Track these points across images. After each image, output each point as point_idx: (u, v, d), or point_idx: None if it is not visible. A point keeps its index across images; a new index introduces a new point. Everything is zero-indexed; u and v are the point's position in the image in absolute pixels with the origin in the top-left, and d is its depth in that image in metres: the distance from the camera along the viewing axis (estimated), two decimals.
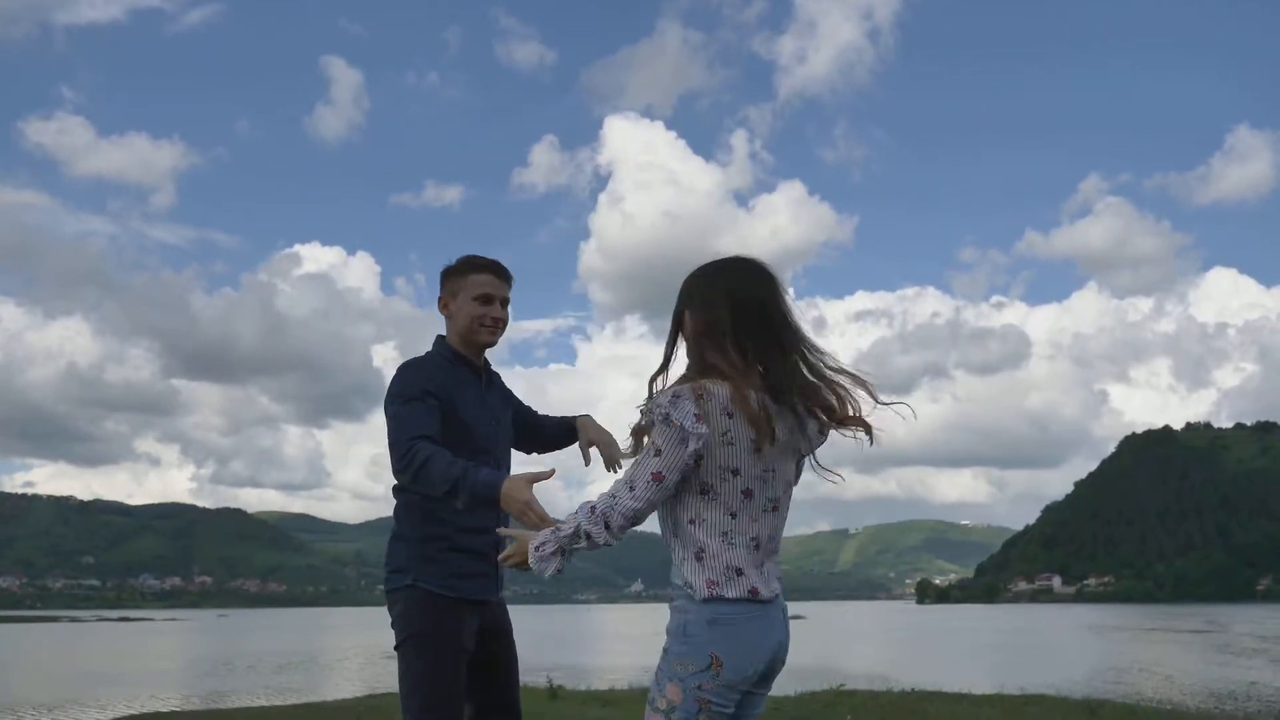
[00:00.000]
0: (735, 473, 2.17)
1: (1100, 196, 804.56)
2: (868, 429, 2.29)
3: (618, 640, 56.66)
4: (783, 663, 2.31)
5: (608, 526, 2.21)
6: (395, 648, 3.10)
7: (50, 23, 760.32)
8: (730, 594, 2.18)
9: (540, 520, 2.52)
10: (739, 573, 2.19)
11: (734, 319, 2.20)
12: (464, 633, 3.07)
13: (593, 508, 2.23)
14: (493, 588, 3.21)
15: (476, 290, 3.09)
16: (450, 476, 2.71)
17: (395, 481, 3.04)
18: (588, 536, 2.22)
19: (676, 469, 2.16)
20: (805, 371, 2.23)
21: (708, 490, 2.19)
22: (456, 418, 3.00)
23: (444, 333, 3.20)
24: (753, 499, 2.20)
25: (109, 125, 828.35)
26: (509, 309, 3.16)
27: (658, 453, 2.16)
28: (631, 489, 2.19)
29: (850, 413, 2.26)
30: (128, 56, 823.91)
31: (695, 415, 2.12)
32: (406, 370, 3.03)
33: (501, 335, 3.13)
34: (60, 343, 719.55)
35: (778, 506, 2.26)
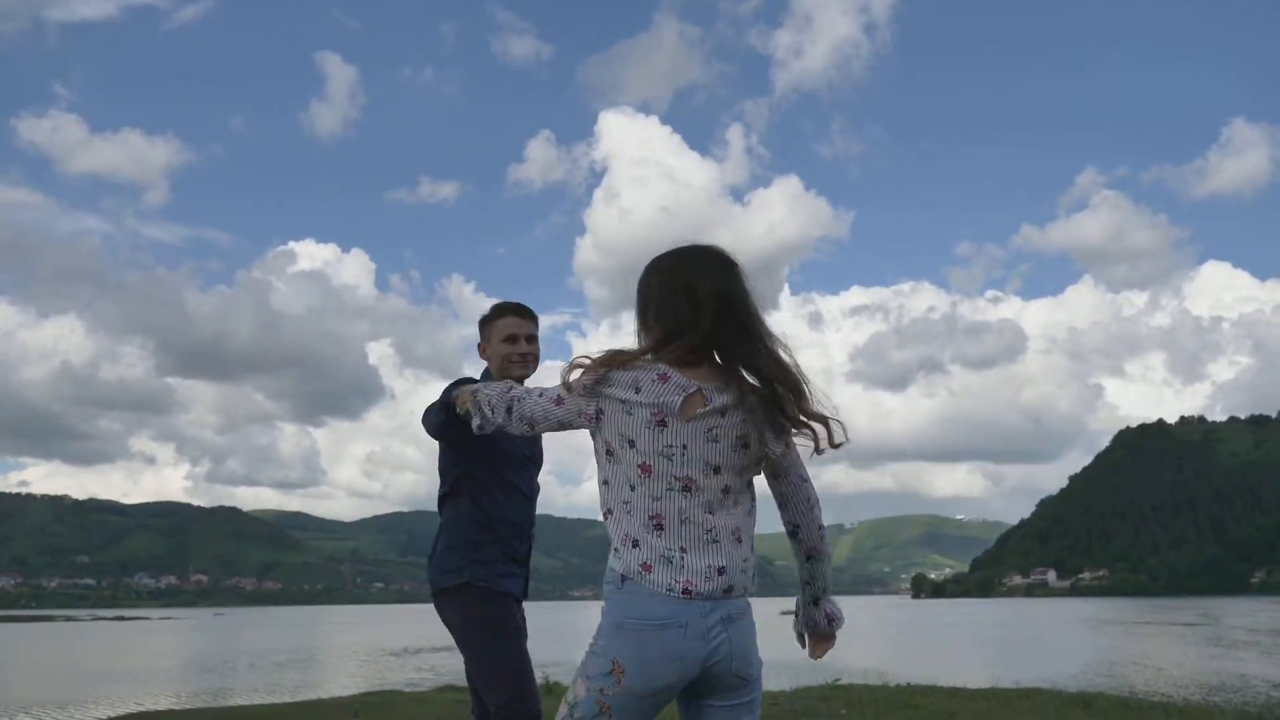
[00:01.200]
0: (631, 444, 2.17)
1: (1097, 190, 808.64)
2: (825, 424, 2.28)
3: None
4: (738, 676, 2.20)
5: (509, 411, 2.37)
6: (462, 643, 3.38)
7: (43, 20, 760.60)
8: (618, 567, 2.18)
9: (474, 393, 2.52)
10: (635, 544, 2.17)
11: (661, 302, 2.25)
12: (519, 621, 3.43)
13: (512, 390, 2.41)
14: (524, 588, 3.55)
15: (504, 332, 3.48)
16: (442, 400, 3.06)
17: (439, 495, 3.48)
18: (491, 408, 2.41)
19: (573, 409, 2.25)
20: (760, 359, 2.22)
21: (612, 454, 2.22)
22: (493, 443, 3.30)
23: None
24: (650, 475, 2.17)
25: (102, 122, 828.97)
26: (537, 344, 3.53)
27: (568, 387, 2.25)
28: (540, 394, 2.33)
29: (807, 407, 2.26)
30: (121, 53, 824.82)
31: (598, 376, 2.21)
32: (452, 389, 3.27)
33: (534, 369, 3.50)
34: (54, 341, 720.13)
35: (691, 488, 2.18)
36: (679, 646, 2.11)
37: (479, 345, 3.60)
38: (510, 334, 3.48)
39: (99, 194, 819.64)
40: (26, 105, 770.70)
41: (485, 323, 3.57)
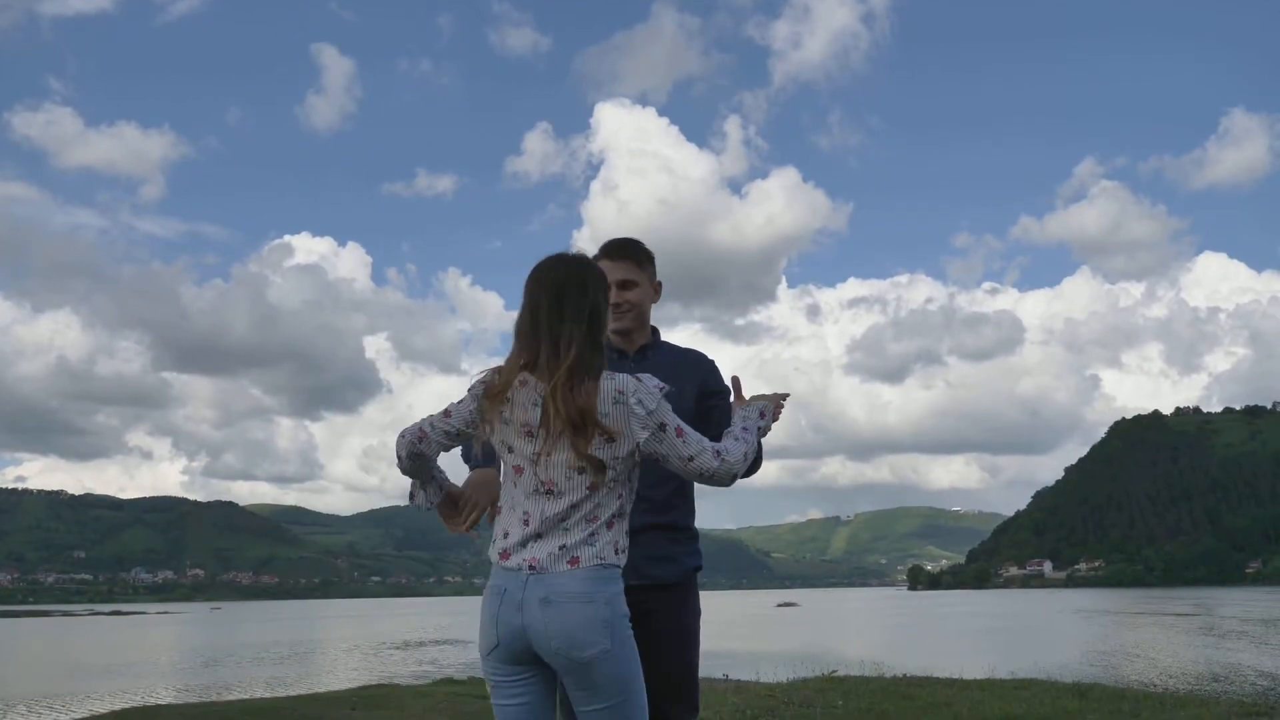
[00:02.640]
0: (510, 449, 2.39)
1: (1095, 181, 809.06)
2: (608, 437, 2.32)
3: None
4: (560, 654, 2.27)
5: (416, 444, 2.51)
6: (685, 640, 2.95)
7: (37, 13, 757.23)
8: (493, 555, 2.42)
9: (451, 521, 2.67)
10: (505, 535, 2.40)
11: (532, 311, 2.38)
12: None
13: (413, 432, 2.53)
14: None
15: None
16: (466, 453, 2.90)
17: None
18: (400, 459, 2.56)
19: (459, 417, 2.44)
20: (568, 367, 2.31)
21: (499, 458, 2.46)
22: None
23: None
24: (523, 475, 2.37)
25: (97, 115, 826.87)
26: (635, 289, 2.99)
27: (459, 400, 2.46)
28: (446, 414, 2.48)
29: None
30: (116, 46, 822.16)
31: (483, 385, 2.39)
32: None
33: (634, 317, 3.00)
34: (50, 336, 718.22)
35: (553, 491, 2.34)
36: (504, 613, 2.34)
37: None
38: None
39: (94, 188, 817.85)
40: (20, 98, 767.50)
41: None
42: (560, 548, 2.32)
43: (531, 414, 2.32)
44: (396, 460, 2.54)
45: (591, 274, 2.43)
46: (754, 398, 2.69)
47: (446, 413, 2.46)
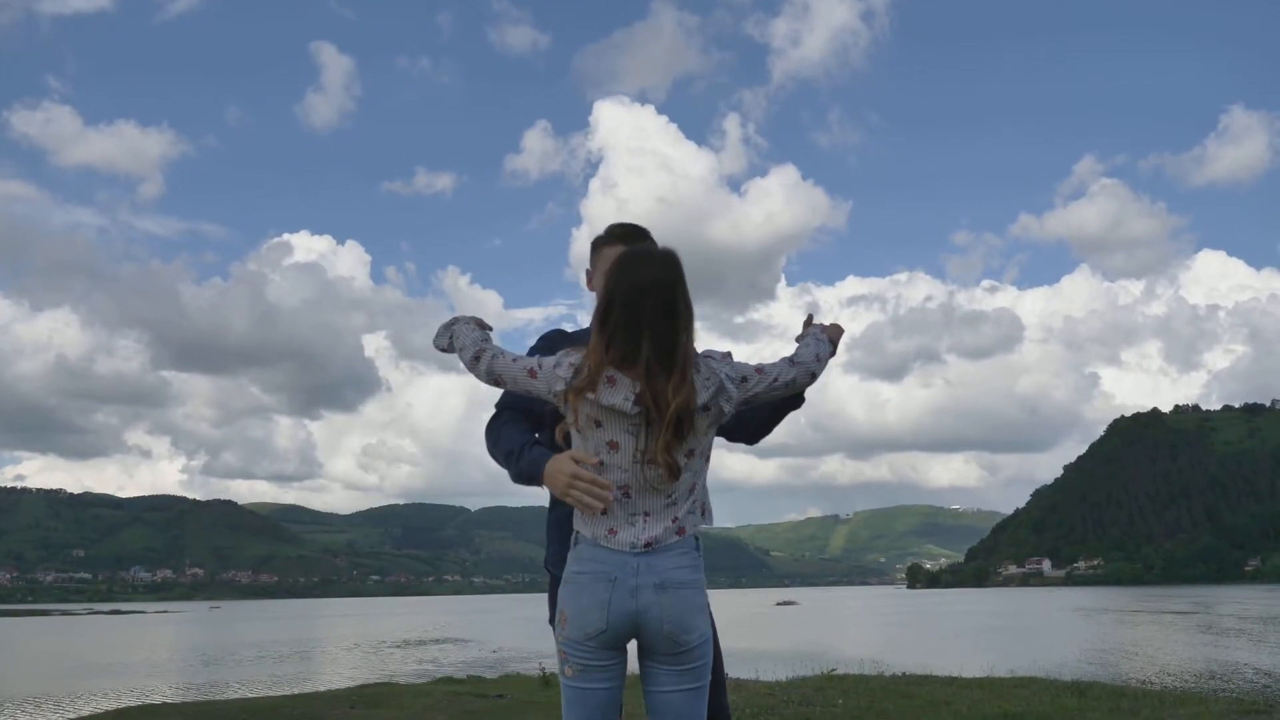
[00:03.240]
0: (599, 436, 2.37)
1: (1095, 178, 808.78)
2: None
3: None
4: (669, 639, 2.35)
5: (476, 359, 2.56)
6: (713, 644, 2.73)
7: (36, 11, 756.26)
8: (588, 532, 2.40)
9: (593, 495, 2.38)
10: (603, 513, 2.38)
11: (630, 307, 2.37)
12: None
13: (486, 343, 2.58)
14: None
15: (608, 263, 2.75)
16: (510, 448, 2.66)
17: None
18: (461, 347, 2.59)
19: (545, 386, 2.43)
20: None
21: (574, 436, 2.44)
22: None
23: None
24: (617, 455, 2.37)
25: (96, 114, 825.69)
26: None
27: (540, 365, 2.46)
28: (514, 359, 2.51)
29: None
30: (115, 45, 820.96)
31: (570, 364, 2.39)
32: (540, 340, 2.96)
33: None
34: (49, 335, 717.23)
35: (655, 473, 2.35)
36: (612, 597, 2.35)
37: (586, 273, 3.05)
38: None
39: (93, 186, 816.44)
40: (19, 97, 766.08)
41: (594, 247, 3.01)
42: (670, 523, 2.38)
43: (624, 405, 2.33)
44: (472, 362, 2.57)
45: (682, 270, 2.46)
46: (809, 328, 2.79)
47: (531, 372, 2.46)
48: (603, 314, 2.39)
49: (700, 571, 2.44)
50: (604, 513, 2.37)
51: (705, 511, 2.47)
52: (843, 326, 2.85)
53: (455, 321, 2.67)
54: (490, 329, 2.70)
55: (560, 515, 2.78)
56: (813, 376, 2.60)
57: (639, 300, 2.35)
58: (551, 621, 2.76)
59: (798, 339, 2.77)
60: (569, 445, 2.50)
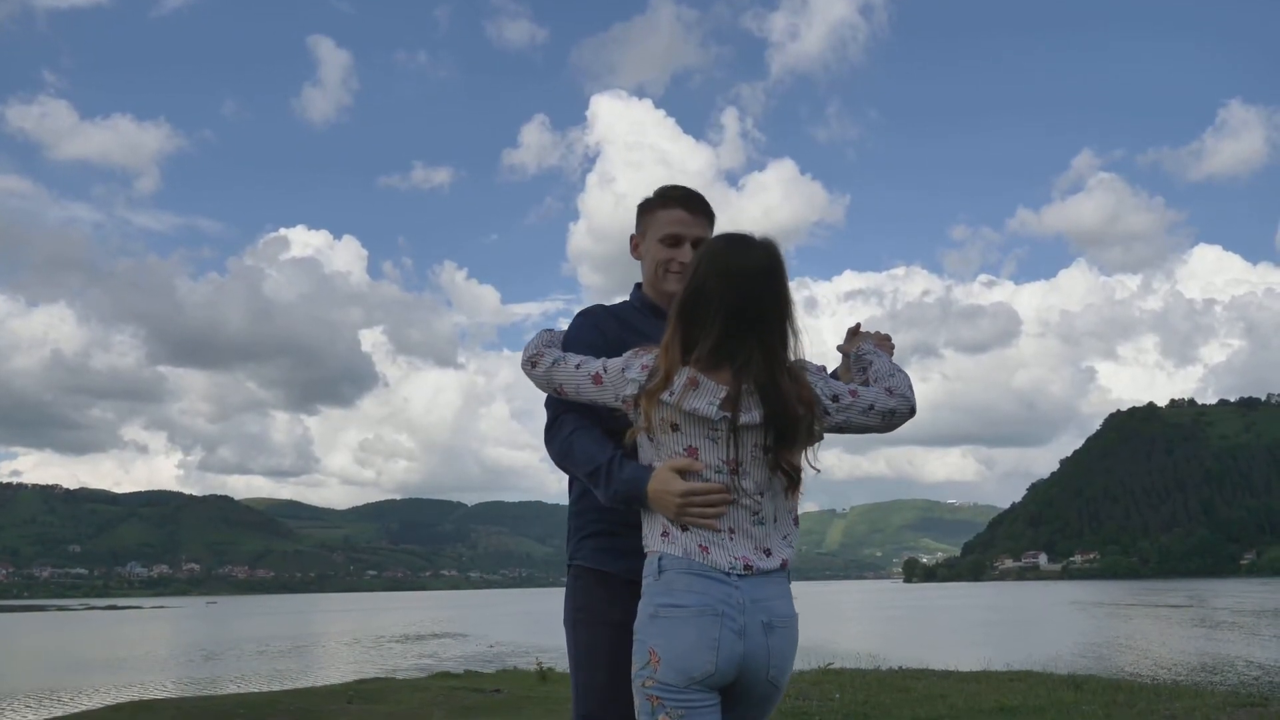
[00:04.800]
0: (675, 428, 2.15)
1: (1093, 172, 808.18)
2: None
3: None
4: (769, 684, 2.14)
5: (533, 364, 2.38)
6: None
7: (32, 5, 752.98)
8: (674, 549, 2.12)
9: (714, 509, 2.15)
10: (685, 529, 2.13)
11: (729, 303, 2.18)
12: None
13: (545, 347, 2.41)
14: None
15: (664, 229, 2.61)
16: (593, 463, 2.33)
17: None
18: (526, 357, 2.41)
19: (612, 393, 2.23)
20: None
21: (654, 438, 2.19)
22: None
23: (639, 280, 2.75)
24: (703, 473, 2.14)
25: (92, 108, 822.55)
26: None
27: (605, 368, 2.26)
28: (577, 365, 2.31)
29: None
30: (111, 39, 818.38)
31: (642, 366, 2.19)
32: (578, 318, 2.65)
33: None
34: (45, 330, 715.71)
35: (749, 491, 2.14)
36: (725, 638, 2.07)
37: (631, 239, 2.75)
38: (673, 234, 2.59)
39: (89, 181, 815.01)
40: (14, 91, 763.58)
41: (643, 210, 2.71)
42: (765, 549, 2.15)
43: (707, 410, 2.10)
44: (528, 366, 2.41)
45: (784, 260, 2.21)
46: (858, 337, 2.53)
47: (596, 378, 2.25)
48: (689, 305, 2.14)
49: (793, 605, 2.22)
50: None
51: (793, 540, 2.24)
52: (892, 340, 2.54)
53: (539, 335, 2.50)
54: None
55: (584, 505, 2.55)
56: (912, 411, 2.31)
57: (739, 291, 2.10)
58: (567, 624, 2.58)
59: (841, 348, 2.53)
60: (636, 452, 2.27)
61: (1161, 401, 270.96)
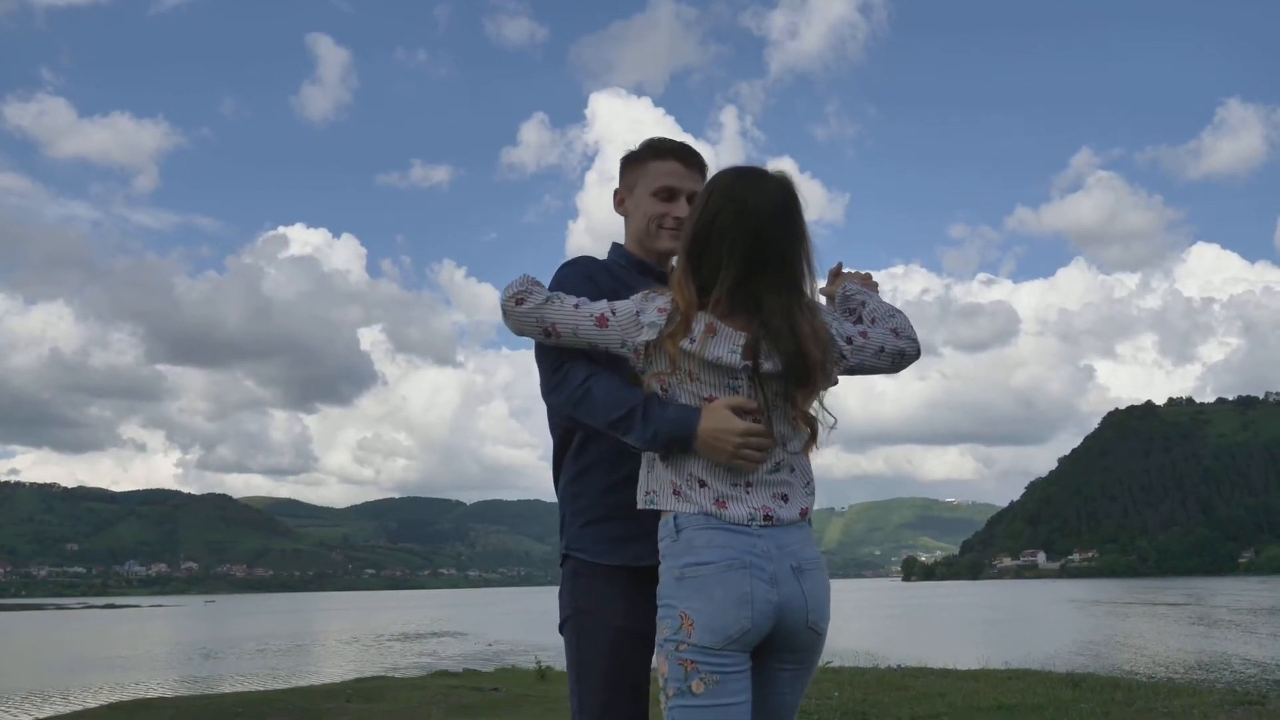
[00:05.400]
0: (692, 376, 2.05)
1: (1092, 171, 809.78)
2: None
3: None
4: (810, 630, 2.03)
5: (518, 302, 2.14)
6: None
7: (30, 3, 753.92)
8: (688, 506, 2.02)
9: (759, 450, 2.03)
10: (701, 484, 2.04)
11: (746, 237, 2.07)
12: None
13: (534, 284, 2.17)
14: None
15: (657, 182, 2.46)
16: (622, 406, 2.10)
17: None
18: (510, 295, 2.16)
19: (616, 337, 2.07)
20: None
21: (667, 390, 2.08)
22: None
23: (621, 240, 2.56)
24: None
25: (90, 106, 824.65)
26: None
27: (614, 310, 2.09)
28: (575, 304, 2.12)
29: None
30: (110, 37, 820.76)
31: (659, 309, 2.05)
32: (565, 267, 2.42)
33: None
34: (43, 328, 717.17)
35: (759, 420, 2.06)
36: (756, 589, 1.97)
37: (615, 194, 2.58)
38: (666, 185, 2.44)
39: (87, 179, 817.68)
40: (13, 89, 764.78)
41: (630, 163, 2.54)
42: (783, 497, 2.06)
43: (729, 358, 1.99)
44: (513, 305, 2.15)
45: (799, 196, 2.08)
46: (841, 277, 2.45)
47: (601, 319, 2.07)
48: (698, 245, 2.01)
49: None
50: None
51: (813, 488, 2.16)
52: (875, 278, 2.45)
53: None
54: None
55: (580, 488, 2.37)
56: (919, 353, 2.25)
57: (756, 228, 1.98)
58: (562, 628, 2.39)
59: (824, 290, 2.41)
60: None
61: (1160, 400, 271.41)
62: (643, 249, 2.48)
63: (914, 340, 2.24)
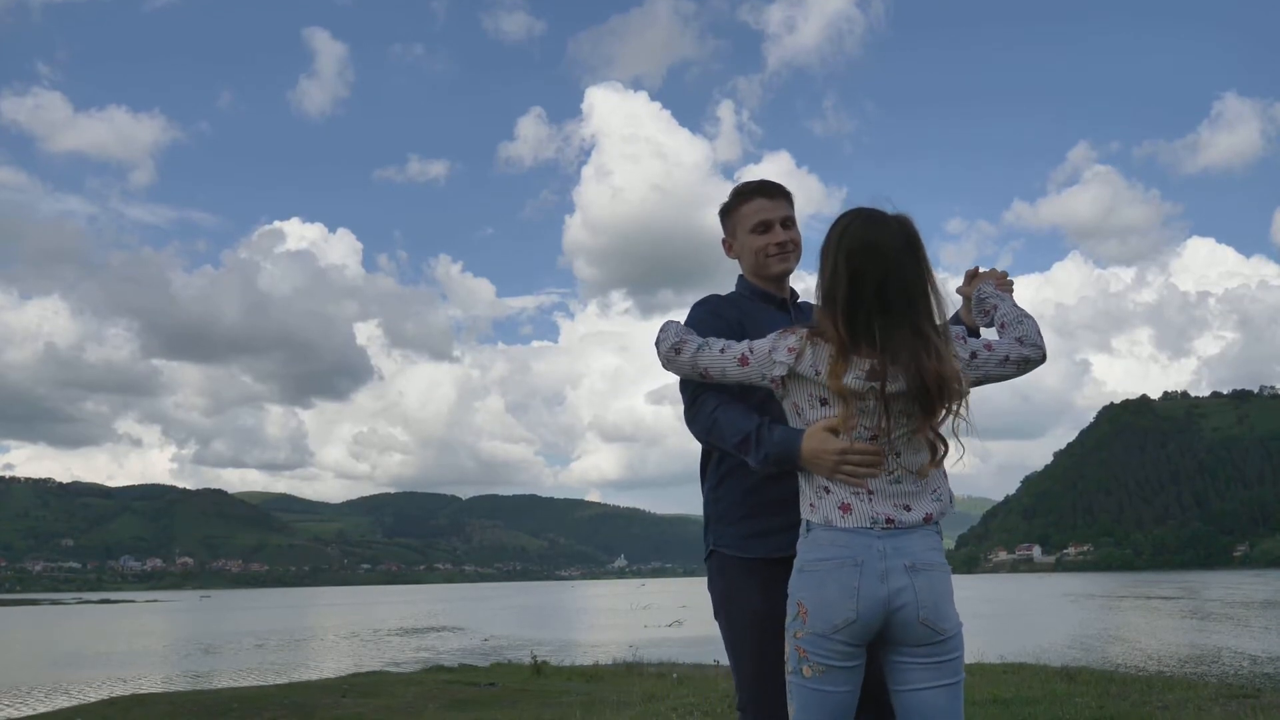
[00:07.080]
0: (824, 402, 2.26)
1: (1089, 165, 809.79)
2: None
3: (601, 616, 56.89)
4: (925, 626, 2.16)
5: (677, 351, 2.48)
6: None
7: None
8: (815, 516, 2.23)
9: (867, 468, 2.24)
10: (827, 491, 2.24)
11: (882, 282, 2.26)
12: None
13: (686, 334, 2.51)
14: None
15: (753, 219, 2.82)
16: (741, 431, 2.45)
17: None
18: (669, 346, 2.50)
19: (758, 367, 2.33)
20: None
21: (801, 413, 2.32)
22: None
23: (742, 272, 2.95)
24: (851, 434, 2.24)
25: (86, 100, 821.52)
26: (796, 228, 2.85)
27: (751, 350, 2.36)
28: (722, 349, 2.41)
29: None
30: (105, 31, 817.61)
31: (789, 348, 2.27)
32: (696, 307, 2.81)
33: (797, 260, 2.85)
34: (38, 323, 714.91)
35: (884, 438, 2.23)
36: (865, 583, 2.16)
37: (724, 242, 2.94)
38: (762, 220, 2.80)
39: (83, 174, 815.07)
40: (9, 83, 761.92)
41: (727, 213, 2.90)
42: (906, 506, 2.22)
43: (855, 383, 2.18)
44: (673, 355, 2.51)
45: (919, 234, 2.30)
46: (977, 278, 2.71)
47: (743, 359, 2.36)
48: (832, 286, 2.23)
49: (944, 556, 2.27)
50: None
51: (950, 498, 2.31)
52: (1010, 277, 2.69)
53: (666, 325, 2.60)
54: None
55: (723, 492, 2.70)
56: (1044, 358, 2.41)
57: (877, 269, 2.19)
58: (718, 614, 2.72)
59: (961, 290, 2.70)
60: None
61: (1155, 394, 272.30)
62: (759, 278, 2.85)
63: (1039, 346, 2.41)
